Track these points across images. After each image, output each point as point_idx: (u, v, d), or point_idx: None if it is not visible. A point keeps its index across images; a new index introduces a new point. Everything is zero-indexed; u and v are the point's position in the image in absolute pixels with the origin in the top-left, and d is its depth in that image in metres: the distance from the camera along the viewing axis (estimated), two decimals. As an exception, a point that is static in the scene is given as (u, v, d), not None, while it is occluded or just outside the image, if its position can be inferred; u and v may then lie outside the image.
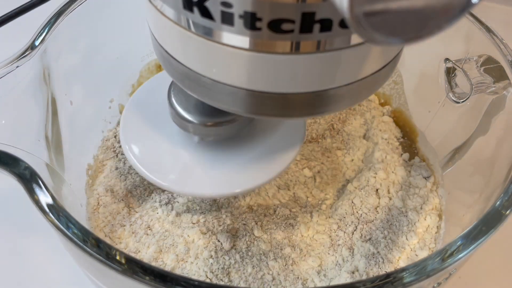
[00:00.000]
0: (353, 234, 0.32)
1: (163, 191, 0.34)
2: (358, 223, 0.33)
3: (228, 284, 0.30)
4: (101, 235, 0.32)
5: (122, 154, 0.37)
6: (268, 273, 0.30)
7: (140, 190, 0.35)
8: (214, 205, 0.34)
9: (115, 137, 0.38)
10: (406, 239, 0.32)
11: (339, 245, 0.32)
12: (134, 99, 0.31)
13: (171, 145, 0.29)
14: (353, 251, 0.32)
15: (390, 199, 0.34)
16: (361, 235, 0.32)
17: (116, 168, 0.36)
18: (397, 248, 0.32)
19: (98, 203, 0.33)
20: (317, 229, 0.33)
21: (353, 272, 0.30)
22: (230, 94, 0.21)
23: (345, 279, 0.30)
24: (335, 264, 0.31)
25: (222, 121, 0.26)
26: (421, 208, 0.34)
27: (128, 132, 0.30)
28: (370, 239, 0.32)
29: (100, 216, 0.32)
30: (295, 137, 0.30)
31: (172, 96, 0.27)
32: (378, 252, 0.31)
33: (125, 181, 0.35)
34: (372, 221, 0.33)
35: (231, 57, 0.19)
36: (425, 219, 0.33)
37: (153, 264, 0.30)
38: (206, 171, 0.28)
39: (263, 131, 0.30)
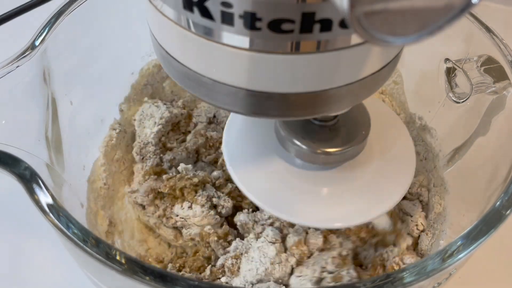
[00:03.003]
0: None
1: None
2: None
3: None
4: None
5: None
6: None
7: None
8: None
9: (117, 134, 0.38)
10: None
11: None
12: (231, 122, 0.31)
13: (286, 176, 0.28)
14: None
15: None
16: None
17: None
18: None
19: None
20: None
21: None
22: (230, 94, 0.21)
23: None
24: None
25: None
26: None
27: (233, 156, 0.29)
28: None
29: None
30: (406, 163, 0.29)
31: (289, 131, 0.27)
32: None
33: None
34: None
35: (231, 57, 0.19)
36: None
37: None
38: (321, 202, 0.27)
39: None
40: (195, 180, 0.34)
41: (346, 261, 0.30)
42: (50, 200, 0.22)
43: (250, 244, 0.31)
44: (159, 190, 0.34)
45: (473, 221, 0.23)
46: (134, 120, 0.39)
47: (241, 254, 0.31)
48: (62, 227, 0.21)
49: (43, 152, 0.27)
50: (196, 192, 0.34)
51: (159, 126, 0.38)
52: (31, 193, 0.23)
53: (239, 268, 0.30)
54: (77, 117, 0.33)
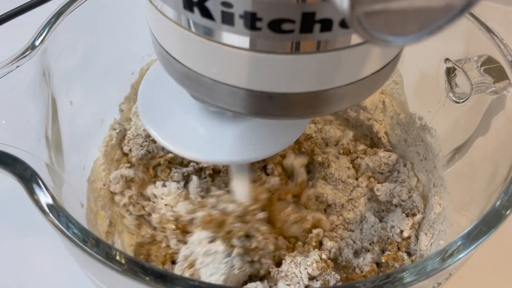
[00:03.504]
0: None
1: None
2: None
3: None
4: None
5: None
6: None
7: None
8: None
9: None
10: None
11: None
12: (148, 77, 0.32)
13: (189, 117, 0.30)
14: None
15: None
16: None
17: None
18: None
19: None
20: None
21: None
22: (230, 94, 0.21)
23: None
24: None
25: None
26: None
27: (147, 108, 0.30)
28: None
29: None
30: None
31: None
32: None
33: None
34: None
35: (231, 57, 0.19)
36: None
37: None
38: (222, 139, 0.29)
39: None
40: (169, 156, 0.35)
41: (328, 263, 0.31)
42: (50, 200, 0.22)
43: (194, 249, 0.32)
44: (130, 176, 0.35)
45: (473, 221, 0.23)
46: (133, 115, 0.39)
47: (193, 261, 0.31)
48: (62, 227, 0.21)
49: (43, 152, 0.27)
50: (170, 170, 0.36)
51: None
52: (31, 193, 0.23)
53: (200, 277, 0.30)
54: (77, 117, 0.33)
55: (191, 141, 0.29)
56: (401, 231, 0.34)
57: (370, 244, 0.34)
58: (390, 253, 0.33)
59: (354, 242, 0.34)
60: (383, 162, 0.38)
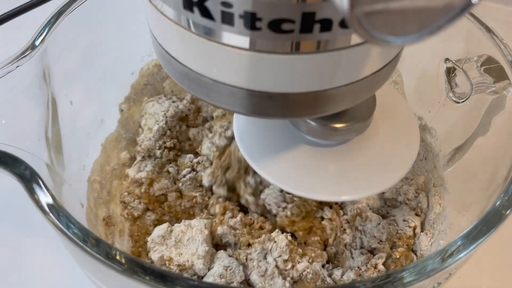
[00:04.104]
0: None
1: None
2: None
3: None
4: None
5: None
6: None
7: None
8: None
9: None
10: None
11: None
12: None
13: (286, 147, 0.29)
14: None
15: None
16: None
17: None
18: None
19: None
20: None
21: None
22: (230, 94, 0.21)
23: None
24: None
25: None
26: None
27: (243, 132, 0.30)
28: None
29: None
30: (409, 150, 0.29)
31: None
32: None
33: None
34: None
35: (231, 57, 0.19)
36: None
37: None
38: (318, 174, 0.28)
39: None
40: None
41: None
42: (50, 200, 0.22)
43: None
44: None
45: (473, 221, 0.23)
46: (143, 115, 0.40)
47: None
48: (62, 227, 0.21)
49: (43, 152, 0.27)
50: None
51: (162, 123, 0.38)
52: (31, 193, 0.23)
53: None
54: (77, 117, 0.33)
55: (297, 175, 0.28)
56: (415, 226, 0.34)
57: (379, 243, 0.34)
58: (403, 249, 0.33)
59: (362, 247, 0.34)
60: None
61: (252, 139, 0.30)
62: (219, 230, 0.32)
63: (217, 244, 0.33)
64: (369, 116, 0.27)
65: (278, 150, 0.29)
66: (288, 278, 0.30)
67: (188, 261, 0.30)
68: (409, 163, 0.29)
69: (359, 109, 0.27)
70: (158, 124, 0.38)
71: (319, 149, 0.29)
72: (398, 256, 0.32)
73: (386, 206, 0.36)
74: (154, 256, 0.31)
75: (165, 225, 0.32)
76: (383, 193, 0.36)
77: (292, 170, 0.28)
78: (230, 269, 0.30)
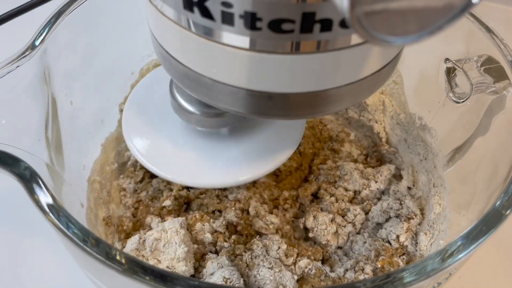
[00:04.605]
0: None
1: None
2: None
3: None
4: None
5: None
6: None
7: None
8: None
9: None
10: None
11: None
12: (133, 95, 0.33)
13: (174, 138, 0.30)
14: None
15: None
16: None
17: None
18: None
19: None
20: None
21: None
22: (230, 94, 0.21)
23: None
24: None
25: (223, 112, 0.27)
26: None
27: (131, 128, 0.31)
28: None
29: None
30: (294, 134, 0.31)
31: (175, 89, 0.28)
32: None
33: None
34: None
35: (231, 57, 0.19)
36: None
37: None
38: (207, 163, 0.29)
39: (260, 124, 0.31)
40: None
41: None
42: (50, 200, 0.22)
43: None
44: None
45: (473, 221, 0.23)
46: None
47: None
48: (62, 227, 0.21)
49: (43, 152, 0.27)
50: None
51: None
52: (31, 193, 0.23)
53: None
54: (77, 117, 0.33)
55: (184, 166, 0.29)
56: (397, 236, 0.33)
57: (367, 259, 0.33)
58: (384, 257, 0.32)
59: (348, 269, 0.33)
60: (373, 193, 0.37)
61: (142, 135, 0.30)
62: (198, 226, 0.32)
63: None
64: None
65: (167, 142, 0.30)
66: (293, 275, 0.30)
67: (168, 267, 0.29)
68: (297, 140, 0.31)
69: None
70: None
71: (209, 137, 0.30)
72: (379, 265, 0.32)
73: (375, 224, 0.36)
74: None
75: (136, 236, 0.31)
76: (374, 219, 0.35)
77: (182, 163, 0.29)
78: (231, 282, 0.29)
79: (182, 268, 0.29)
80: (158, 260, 0.30)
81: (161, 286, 0.19)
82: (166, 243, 0.30)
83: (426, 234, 0.33)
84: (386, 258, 0.32)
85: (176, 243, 0.30)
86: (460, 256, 0.21)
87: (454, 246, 0.21)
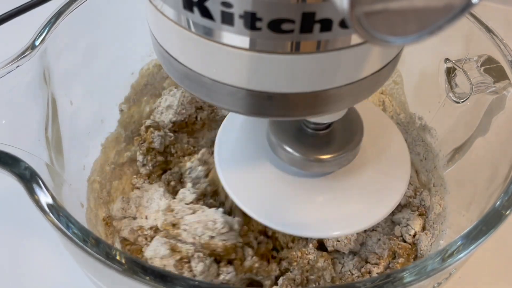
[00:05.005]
0: None
1: None
2: None
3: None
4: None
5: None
6: None
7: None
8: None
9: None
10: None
11: None
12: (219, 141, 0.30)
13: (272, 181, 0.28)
14: None
15: None
16: None
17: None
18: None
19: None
20: None
21: None
22: (230, 94, 0.21)
23: None
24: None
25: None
26: None
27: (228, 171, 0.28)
28: None
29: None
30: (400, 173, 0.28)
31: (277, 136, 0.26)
32: None
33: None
34: None
35: (231, 57, 0.19)
36: None
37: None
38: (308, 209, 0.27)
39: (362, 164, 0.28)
40: None
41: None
42: (50, 200, 0.22)
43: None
44: None
45: (473, 221, 0.23)
46: (157, 107, 0.40)
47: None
48: (62, 227, 0.21)
49: (43, 152, 0.27)
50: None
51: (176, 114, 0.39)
52: (31, 193, 0.23)
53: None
54: (77, 117, 0.33)
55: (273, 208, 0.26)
56: (415, 233, 0.33)
57: (379, 258, 0.33)
58: (403, 259, 0.32)
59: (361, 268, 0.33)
60: None
61: (233, 169, 0.28)
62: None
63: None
64: (357, 145, 0.26)
65: (259, 182, 0.27)
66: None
67: (155, 219, 0.29)
68: (400, 191, 0.28)
69: (345, 138, 0.26)
70: (173, 108, 0.39)
71: (304, 180, 0.27)
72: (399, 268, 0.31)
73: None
74: (124, 233, 0.30)
75: (119, 198, 0.33)
76: None
77: (275, 205, 0.26)
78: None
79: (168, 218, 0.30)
80: (144, 216, 0.30)
81: (161, 286, 0.19)
82: (149, 199, 0.31)
83: (426, 234, 0.33)
84: (404, 260, 0.32)
85: (158, 197, 0.31)
86: (460, 256, 0.21)
87: (454, 246, 0.21)
